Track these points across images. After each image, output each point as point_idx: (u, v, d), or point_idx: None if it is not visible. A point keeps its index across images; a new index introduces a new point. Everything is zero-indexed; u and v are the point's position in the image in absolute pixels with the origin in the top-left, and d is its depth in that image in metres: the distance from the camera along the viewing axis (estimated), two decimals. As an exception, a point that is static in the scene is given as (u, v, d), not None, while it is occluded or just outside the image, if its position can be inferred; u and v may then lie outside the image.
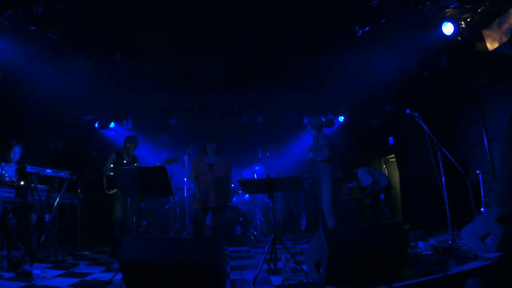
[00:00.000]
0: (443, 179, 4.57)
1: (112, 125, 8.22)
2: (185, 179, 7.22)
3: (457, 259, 3.64)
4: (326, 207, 4.86)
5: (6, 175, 4.74)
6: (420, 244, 4.52)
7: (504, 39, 4.86)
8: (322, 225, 5.94)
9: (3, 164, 4.87)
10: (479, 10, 5.06)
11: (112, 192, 5.37)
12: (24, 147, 4.99)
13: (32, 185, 4.27)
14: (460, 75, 6.41)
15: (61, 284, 3.41)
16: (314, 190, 7.46)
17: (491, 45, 5.08)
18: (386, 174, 8.25)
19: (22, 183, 4.35)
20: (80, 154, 7.75)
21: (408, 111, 4.85)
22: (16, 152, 4.88)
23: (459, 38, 5.46)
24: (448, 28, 5.29)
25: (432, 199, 6.57)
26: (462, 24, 5.29)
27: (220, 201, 5.16)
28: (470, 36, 5.42)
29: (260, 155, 6.93)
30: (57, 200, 4.60)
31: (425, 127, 4.71)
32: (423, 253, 4.20)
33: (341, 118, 8.91)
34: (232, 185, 7.37)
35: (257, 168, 7.61)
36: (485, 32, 5.13)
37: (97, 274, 3.94)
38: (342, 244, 3.00)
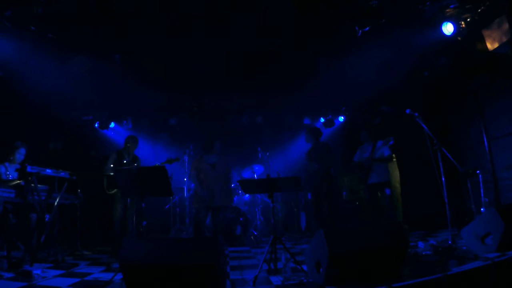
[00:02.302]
0: (443, 179, 4.57)
1: (112, 125, 8.22)
2: (185, 179, 7.21)
3: (457, 259, 3.63)
4: (329, 210, 5.56)
5: (10, 175, 4.75)
6: (420, 244, 4.52)
7: (504, 39, 4.86)
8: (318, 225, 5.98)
9: (6, 164, 4.89)
10: (479, 10, 5.07)
11: (112, 192, 5.37)
12: (26, 148, 5.03)
13: (32, 185, 4.28)
14: (460, 75, 6.41)
15: (61, 284, 3.41)
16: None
17: (491, 45, 5.09)
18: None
19: (22, 183, 4.36)
20: (80, 154, 7.74)
21: (408, 111, 4.86)
22: (21, 153, 4.97)
23: (459, 38, 5.46)
24: (448, 28, 5.30)
25: (432, 199, 6.57)
26: (462, 24, 5.29)
27: (223, 201, 5.20)
28: (470, 36, 5.42)
29: (260, 155, 6.92)
30: (57, 200, 4.60)
31: (425, 127, 4.71)
32: (423, 253, 4.20)
33: (341, 118, 8.91)
34: (232, 185, 7.37)
35: (257, 168, 7.60)
36: (485, 32, 5.14)
37: (97, 274, 3.94)
38: (342, 244, 3.00)
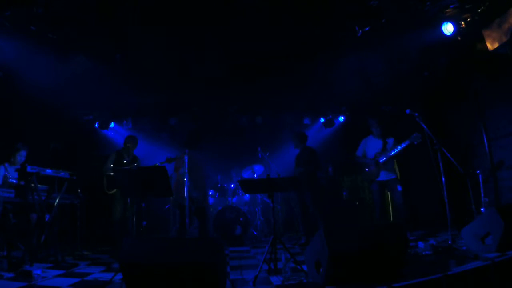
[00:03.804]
0: (443, 179, 4.57)
1: (112, 125, 8.23)
2: (185, 179, 7.20)
3: (457, 259, 3.64)
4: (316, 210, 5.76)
5: (10, 176, 4.75)
6: (420, 244, 4.52)
7: (504, 39, 4.86)
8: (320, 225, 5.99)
9: (6, 164, 4.89)
10: (479, 10, 5.07)
11: (112, 192, 5.37)
12: (26, 149, 5.04)
13: (32, 185, 4.28)
14: (460, 75, 6.41)
15: (61, 284, 3.41)
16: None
17: (491, 45, 5.09)
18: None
19: (22, 183, 4.36)
20: (80, 154, 7.74)
21: (408, 111, 4.86)
22: (22, 156, 5.01)
23: (459, 38, 5.46)
24: (448, 28, 5.30)
25: (432, 199, 6.57)
26: (462, 24, 5.29)
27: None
28: (470, 36, 5.42)
29: (260, 155, 6.92)
30: (57, 200, 4.60)
31: (425, 127, 4.71)
32: (423, 253, 4.20)
33: (341, 118, 8.91)
34: (232, 185, 7.37)
35: (257, 168, 7.60)
36: (485, 32, 5.14)
37: (97, 274, 3.94)
38: (342, 244, 3.00)
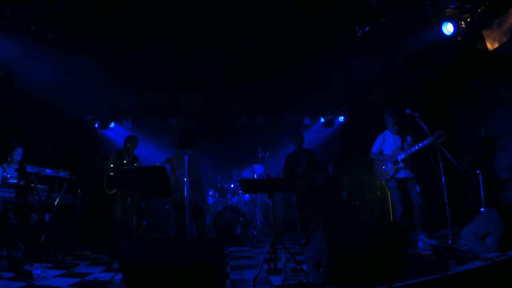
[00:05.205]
0: (443, 179, 4.57)
1: (112, 125, 8.23)
2: (185, 179, 7.20)
3: (457, 259, 3.64)
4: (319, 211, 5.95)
5: (9, 176, 4.76)
6: (420, 244, 4.52)
7: (504, 39, 4.86)
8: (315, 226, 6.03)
9: (4, 165, 4.89)
10: (479, 10, 5.07)
11: (112, 192, 5.37)
12: (24, 147, 5.02)
13: (32, 185, 4.28)
14: (460, 75, 6.41)
15: (61, 284, 3.41)
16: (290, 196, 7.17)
17: (491, 45, 5.08)
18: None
19: (22, 183, 4.37)
20: (80, 154, 7.75)
21: (408, 111, 4.85)
22: (19, 153, 5.02)
23: (459, 38, 5.46)
24: (448, 28, 5.30)
25: (432, 199, 6.57)
26: (462, 24, 5.29)
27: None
28: (470, 36, 5.42)
29: (260, 155, 6.92)
30: (57, 200, 4.61)
31: (425, 127, 4.71)
32: (423, 253, 4.20)
33: (341, 118, 8.91)
34: (232, 185, 7.37)
35: (257, 168, 7.60)
36: (485, 32, 5.14)
37: (97, 274, 3.94)
38: (342, 244, 3.00)
